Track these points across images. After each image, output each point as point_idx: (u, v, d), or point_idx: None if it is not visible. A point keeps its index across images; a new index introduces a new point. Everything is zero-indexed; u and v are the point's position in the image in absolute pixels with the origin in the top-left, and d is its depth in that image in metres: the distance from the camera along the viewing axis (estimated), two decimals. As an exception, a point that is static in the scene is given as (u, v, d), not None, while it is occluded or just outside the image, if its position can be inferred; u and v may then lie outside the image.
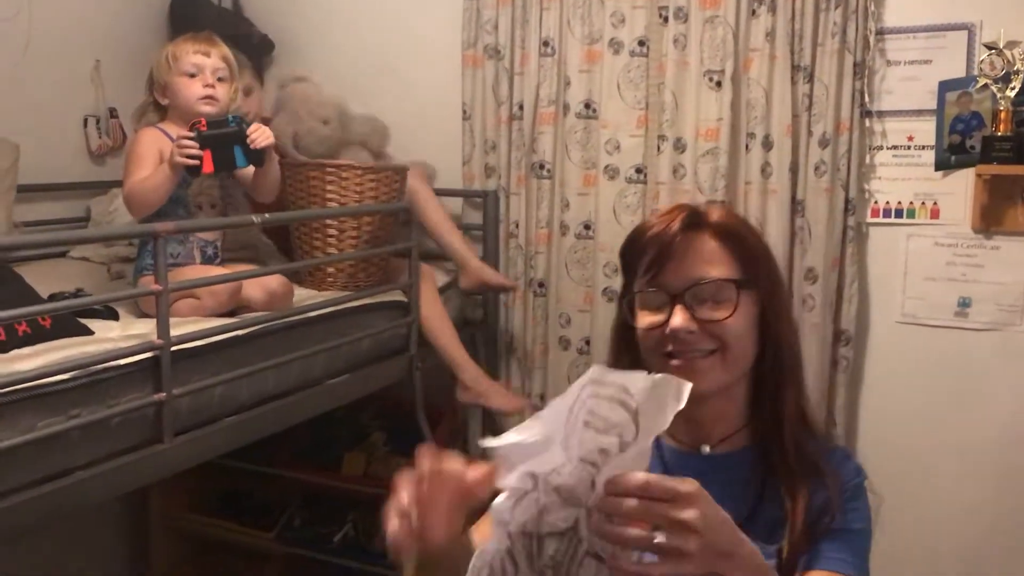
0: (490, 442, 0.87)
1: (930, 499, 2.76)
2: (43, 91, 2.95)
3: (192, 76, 2.34)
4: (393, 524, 0.91)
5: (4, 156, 2.60)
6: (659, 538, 0.86)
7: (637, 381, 0.87)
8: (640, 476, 0.86)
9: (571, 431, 0.86)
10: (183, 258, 2.30)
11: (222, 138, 2.18)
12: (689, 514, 0.86)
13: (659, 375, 0.88)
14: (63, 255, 2.83)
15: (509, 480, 0.88)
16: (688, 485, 0.87)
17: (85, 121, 3.11)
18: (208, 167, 2.17)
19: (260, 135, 2.25)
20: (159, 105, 2.41)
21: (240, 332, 2.07)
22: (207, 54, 2.37)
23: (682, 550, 0.86)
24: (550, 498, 0.88)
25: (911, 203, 2.72)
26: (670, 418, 0.87)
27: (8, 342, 1.72)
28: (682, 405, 0.87)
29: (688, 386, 0.88)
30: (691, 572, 0.87)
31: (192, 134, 2.15)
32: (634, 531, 0.87)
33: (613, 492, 0.87)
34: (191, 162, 2.14)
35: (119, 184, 3.08)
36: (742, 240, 1.21)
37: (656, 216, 1.24)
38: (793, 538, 1.14)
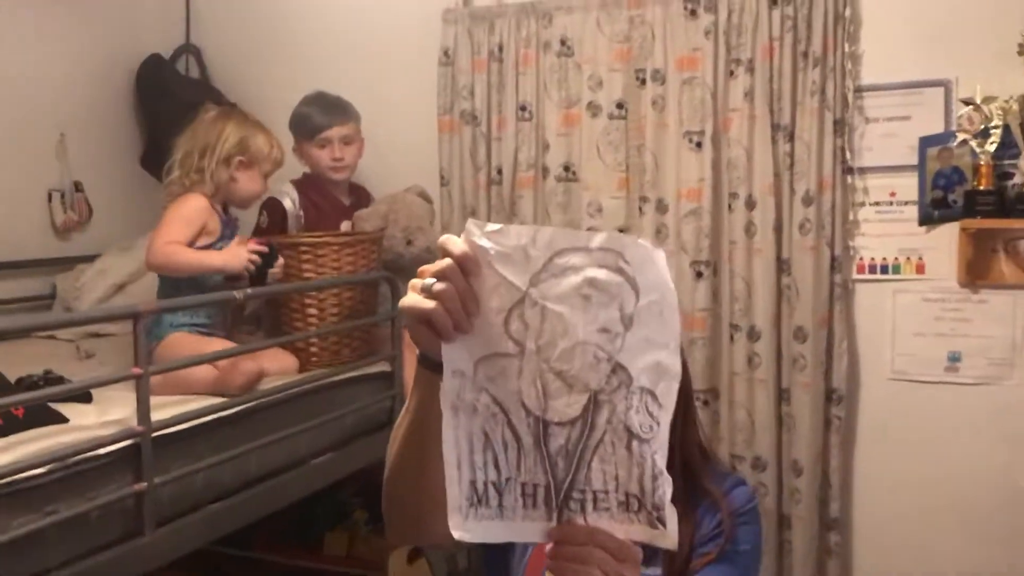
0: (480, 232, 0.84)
1: (928, 559, 2.71)
2: (5, 166, 2.87)
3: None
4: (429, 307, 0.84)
5: (-34, 234, 2.50)
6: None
7: (628, 245, 0.85)
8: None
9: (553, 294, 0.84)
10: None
11: (266, 259, 2.43)
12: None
13: (627, 237, 0.86)
14: (27, 335, 2.71)
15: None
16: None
17: (49, 196, 3.03)
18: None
19: (281, 270, 2.44)
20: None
21: (223, 413, 1.99)
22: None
23: None
24: (553, 383, 0.86)
25: (896, 258, 2.71)
26: (665, 278, 0.86)
27: (-22, 435, 1.61)
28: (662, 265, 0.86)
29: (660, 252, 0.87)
30: None
31: (266, 250, 2.40)
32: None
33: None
34: (251, 268, 2.37)
35: (86, 260, 3.02)
36: None
37: None
38: (674, 566, 1.20)
